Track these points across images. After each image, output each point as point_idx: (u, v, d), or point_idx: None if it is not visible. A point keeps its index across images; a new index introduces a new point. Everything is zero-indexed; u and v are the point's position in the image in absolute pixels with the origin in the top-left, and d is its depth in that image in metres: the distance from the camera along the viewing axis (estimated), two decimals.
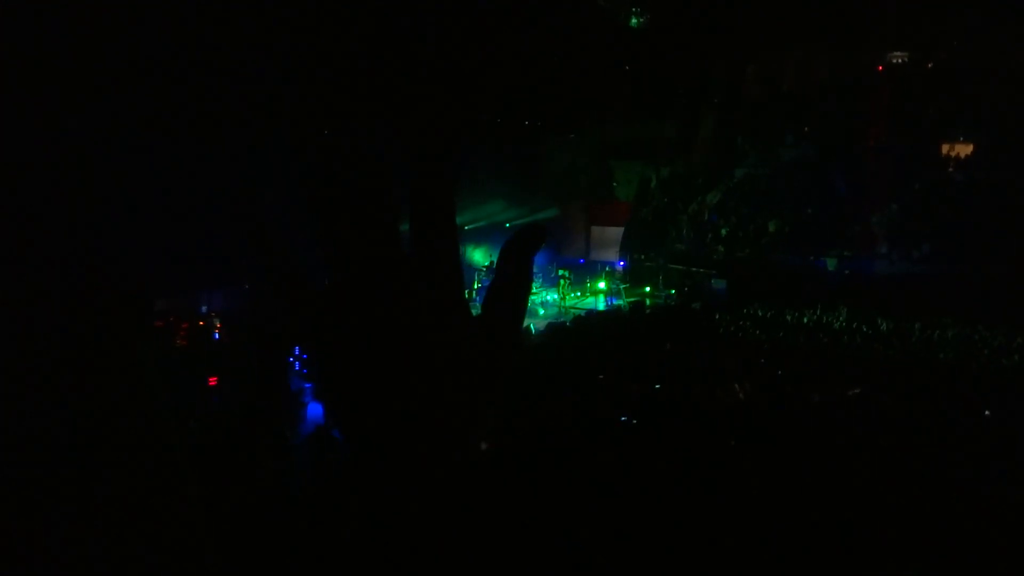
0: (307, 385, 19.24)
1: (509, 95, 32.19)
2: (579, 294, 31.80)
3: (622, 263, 32.52)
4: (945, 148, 31.39)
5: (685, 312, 25.14)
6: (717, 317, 22.98)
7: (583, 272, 34.03)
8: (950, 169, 30.28)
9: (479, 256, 37.35)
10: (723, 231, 31.59)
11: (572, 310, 28.14)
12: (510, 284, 1.14)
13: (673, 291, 29.92)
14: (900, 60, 34.73)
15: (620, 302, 28.42)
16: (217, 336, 22.69)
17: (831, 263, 28.29)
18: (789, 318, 22.46)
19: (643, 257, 32.83)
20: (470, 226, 36.10)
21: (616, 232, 36.84)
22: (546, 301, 30.46)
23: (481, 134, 30.93)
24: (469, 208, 34.40)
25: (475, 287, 28.75)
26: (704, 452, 9.09)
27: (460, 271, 1.13)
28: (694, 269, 29.59)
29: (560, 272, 31.54)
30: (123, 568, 1.18)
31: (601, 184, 37.80)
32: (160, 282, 22.83)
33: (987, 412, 12.77)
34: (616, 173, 38.48)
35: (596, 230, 39.97)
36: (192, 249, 23.83)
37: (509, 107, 33.35)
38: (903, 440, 9.46)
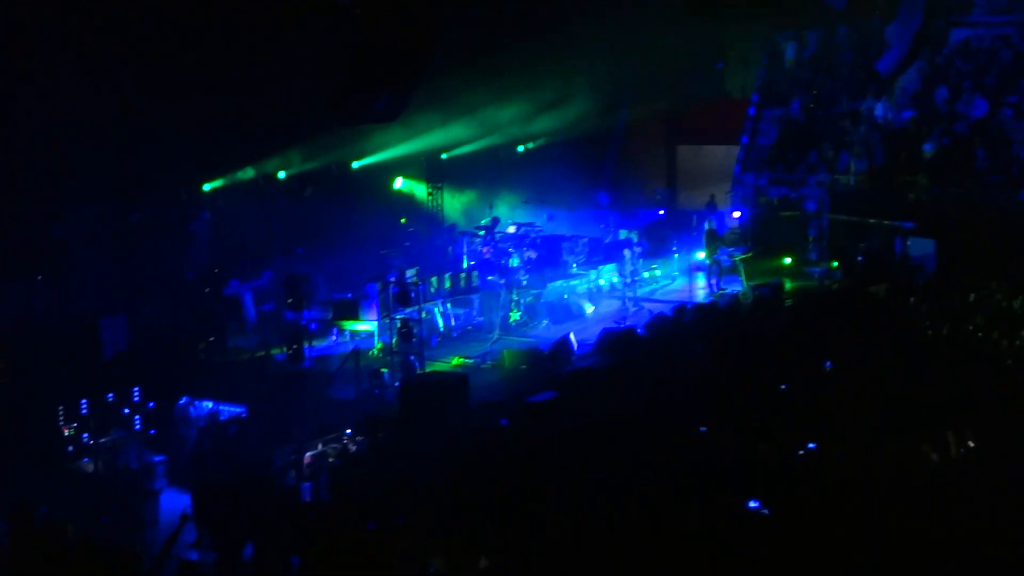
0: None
1: None
2: (658, 273, 31.60)
3: (737, 213, 32.27)
4: None
5: (859, 301, 24.94)
6: (919, 307, 22.78)
7: (664, 232, 33.82)
8: None
9: (454, 204, 37.26)
10: (926, 147, 31.27)
11: (646, 304, 27.96)
12: None
13: (836, 263, 29.59)
14: None
15: (739, 287, 28.22)
16: None
17: None
18: None
19: (776, 202, 32.56)
20: (450, 153, 36.02)
21: (723, 156, 36.62)
22: (599, 288, 30.29)
23: None
24: (441, 123, 34.17)
25: (464, 266, 28.68)
26: None
27: None
28: (873, 221, 29.30)
29: (623, 235, 31.31)
30: None
31: (695, 69, 37.53)
32: None
33: None
34: (724, 46, 38.10)
35: (686, 153, 39.83)
36: None
37: None
38: None
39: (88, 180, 27.20)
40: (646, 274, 30.45)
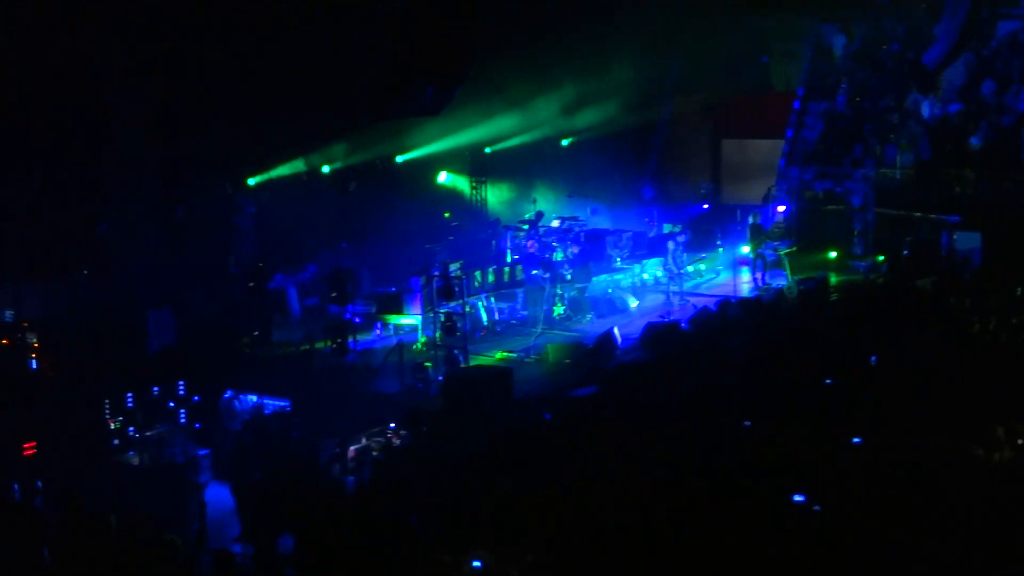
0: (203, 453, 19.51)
1: None
2: (703, 267, 31.51)
3: (782, 207, 32.16)
4: None
5: (905, 295, 24.81)
6: (965, 302, 22.63)
7: (708, 226, 33.70)
8: None
9: (497, 198, 37.18)
10: (973, 141, 31.08)
11: (690, 298, 27.90)
12: None
13: (882, 257, 29.45)
14: None
15: (784, 281, 28.11)
16: (34, 365, 22.86)
17: None
18: None
19: (821, 195, 32.39)
20: (494, 147, 36.00)
21: (768, 149, 36.44)
22: (643, 282, 30.30)
23: None
24: (485, 116, 34.16)
25: (508, 260, 28.67)
26: None
27: None
28: (919, 215, 29.13)
29: (667, 229, 31.20)
30: None
31: (741, 62, 37.36)
32: None
33: None
34: (770, 39, 37.87)
35: (731, 148, 39.62)
36: None
37: None
38: None
39: (134, 175, 27.33)
40: (690, 268, 30.34)
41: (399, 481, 16.50)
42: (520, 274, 27.78)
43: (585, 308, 27.79)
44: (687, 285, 29.23)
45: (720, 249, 32.44)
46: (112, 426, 20.19)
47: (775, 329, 22.30)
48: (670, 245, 29.13)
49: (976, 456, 13.34)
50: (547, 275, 27.16)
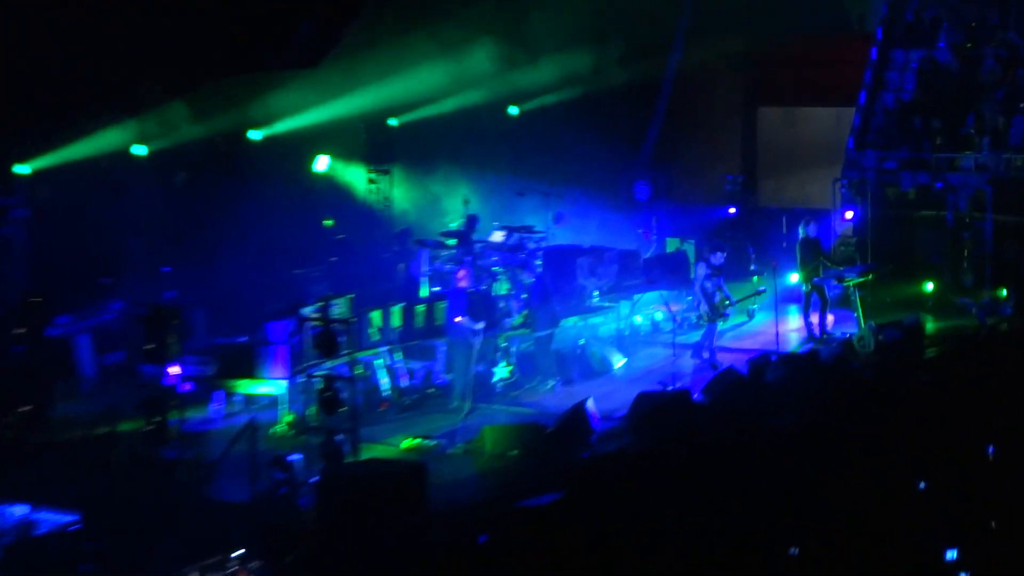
0: None
1: None
2: (730, 304, 31.71)
3: (850, 213, 32.38)
4: None
5: None
6: None
7: (737, 240, 33.93)
8: None
9: (408, 198, 37.28)
10: None
11: (707, 355, 28.02)
12: None
13: (1004, 291, 29.63)
14: None
15: (853, 327, 28.29)
16: None
17: None
18: None
19: (912, 194, 32.64)
20: (403, 117, 36.13)
21: (829, 123, 36.81)
22: (634, 329, 30.50)
23: None
24: (390, 70, 34.28)
25: (424, 294, 28.71)
26: None
27: None
28: None
29: (672, 244, 31.34)
30: None
31: None
32: None
33: None
34: None
35: (773, 120, 40.04)
36: None
37: None
38: None
39: None
40: (721, 303, 30.33)
41: None
42: (442, 316, 27.78)
43: (544, 370, 27.91)
44: (724, 326, 29.41)
45: (755, 278, 32.64)
46: None
47: (840, 402, 22.47)
48: (700, 270, 29.11)
49: None
50: (481, 325, 27.08)
